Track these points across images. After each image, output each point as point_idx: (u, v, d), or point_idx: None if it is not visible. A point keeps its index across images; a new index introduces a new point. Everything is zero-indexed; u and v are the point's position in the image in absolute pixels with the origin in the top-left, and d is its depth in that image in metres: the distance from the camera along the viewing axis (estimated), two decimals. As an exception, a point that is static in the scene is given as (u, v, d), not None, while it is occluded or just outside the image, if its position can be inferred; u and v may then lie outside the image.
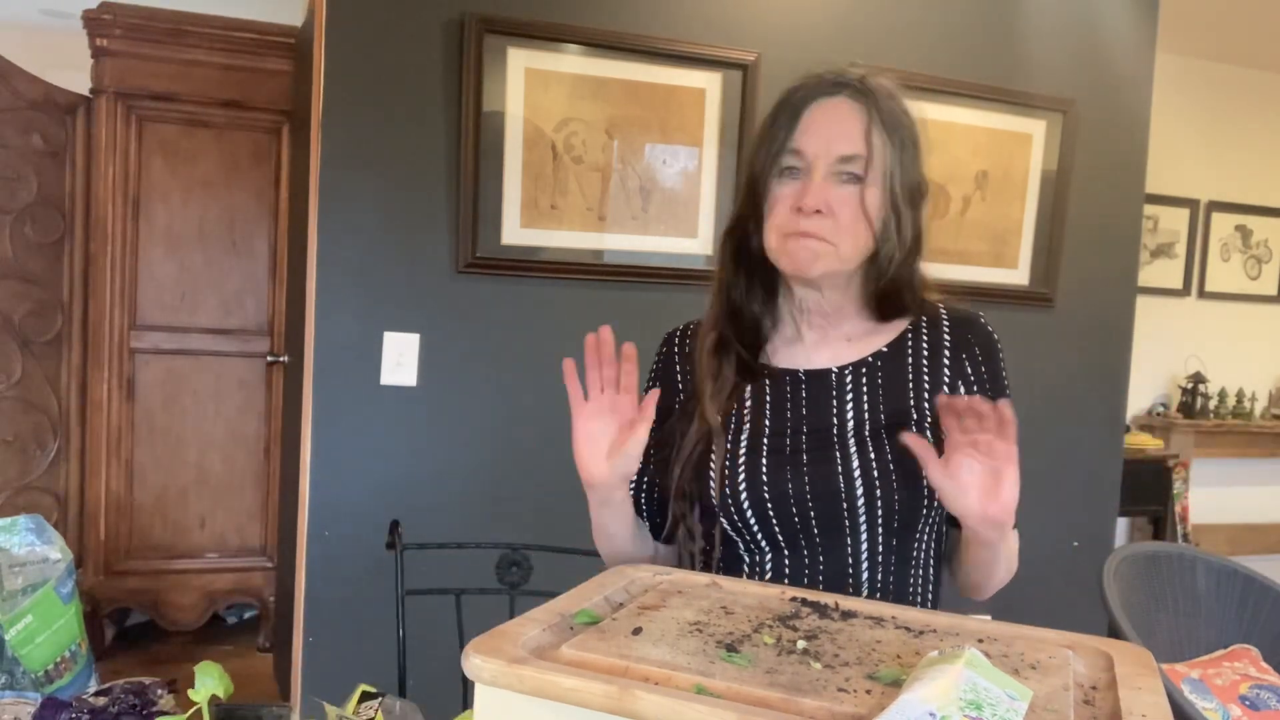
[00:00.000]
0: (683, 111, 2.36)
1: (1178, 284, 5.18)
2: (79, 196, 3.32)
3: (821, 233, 1.06)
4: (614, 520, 1.12)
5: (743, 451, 1.11)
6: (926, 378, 1.13)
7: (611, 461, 1.03)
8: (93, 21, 3.21)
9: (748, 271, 1.16)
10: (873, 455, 1.08)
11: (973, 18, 2.63)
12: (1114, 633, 1.57)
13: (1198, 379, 5.10)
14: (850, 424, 1.11)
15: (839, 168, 1.07)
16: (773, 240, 1.10)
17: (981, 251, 2.68)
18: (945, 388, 1.12)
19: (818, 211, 1.06)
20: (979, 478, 0.94)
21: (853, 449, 1.09)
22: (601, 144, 2.31)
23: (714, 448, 1.12)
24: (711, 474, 1.11)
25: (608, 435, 1.04)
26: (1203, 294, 5.24)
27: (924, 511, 1.09)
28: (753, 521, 1.10)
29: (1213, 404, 5.16)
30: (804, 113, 1.09)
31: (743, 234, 1.15)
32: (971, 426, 0.92)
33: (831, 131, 1.07)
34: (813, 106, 1.09)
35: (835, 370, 1.14)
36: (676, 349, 1.23)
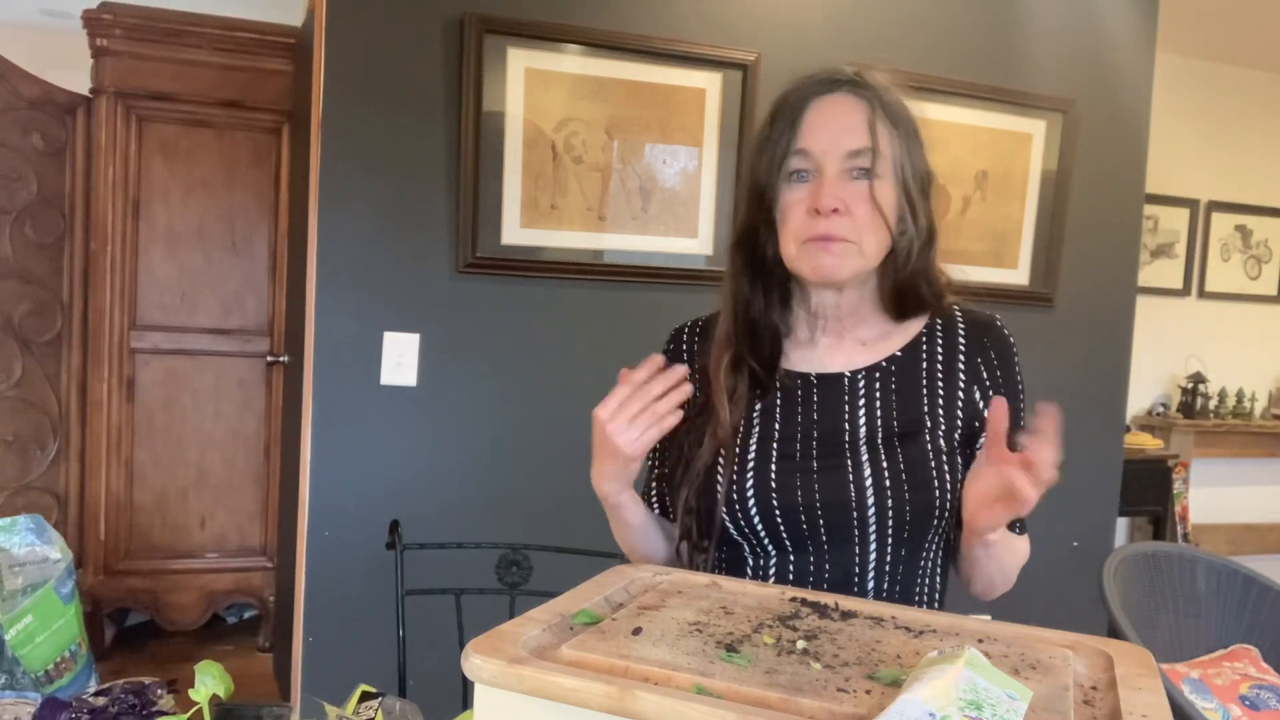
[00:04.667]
0: (683, 111, 2.36)
1: (1178, 284, 5.18)
2: (79, 196, 3.32)
3: (842, 232, 1.04)
4: (627, 526, 1.12)
5: (751, 458, 1.09)
6: (941, 383, 1.10)
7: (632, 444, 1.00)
8: (93, 21, 3.21)
9: (764, 283, 1.13)
10: (884, 464, 1.05)
11: (973, 18, 2.63)
12: (1114, 633, 1.57)
13: (1198, 379, 5.10)
14: (863, 430, 1.08)
15: (849, 164, 1.04)
16: (791, 248, 1.07)
17: (981, 251, 2.68)
18: (960, 394, 1.10)
19: (835, 211, 1.03)
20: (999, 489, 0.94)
21: (864, 456, 1.06)
22: (601, 144, 2.31)
23: (722, 457, 1.10)
24: (719, 482, 1.09)
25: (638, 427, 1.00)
26: (1203, 294, 5.24)
27: (934, 521, 1.06)
28: (760, 528, 1.08)
29: (1213, 404, 5.16)
30: (804, 112, 1.06)
31: (753, 244, 1.11)
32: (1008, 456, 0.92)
33: (836, 128, 1.04)
34: (812, 105, 1.06)
35: (848, 375, 1.11)
36: (685, 346, 1.21)
